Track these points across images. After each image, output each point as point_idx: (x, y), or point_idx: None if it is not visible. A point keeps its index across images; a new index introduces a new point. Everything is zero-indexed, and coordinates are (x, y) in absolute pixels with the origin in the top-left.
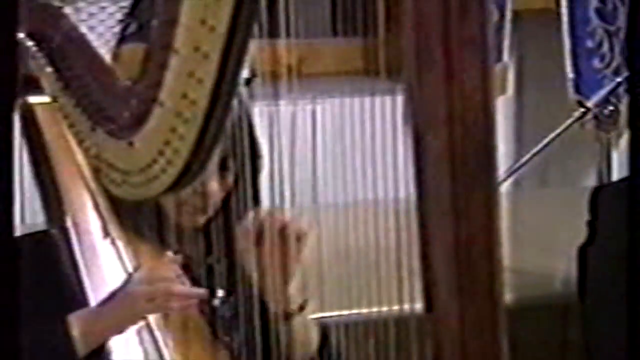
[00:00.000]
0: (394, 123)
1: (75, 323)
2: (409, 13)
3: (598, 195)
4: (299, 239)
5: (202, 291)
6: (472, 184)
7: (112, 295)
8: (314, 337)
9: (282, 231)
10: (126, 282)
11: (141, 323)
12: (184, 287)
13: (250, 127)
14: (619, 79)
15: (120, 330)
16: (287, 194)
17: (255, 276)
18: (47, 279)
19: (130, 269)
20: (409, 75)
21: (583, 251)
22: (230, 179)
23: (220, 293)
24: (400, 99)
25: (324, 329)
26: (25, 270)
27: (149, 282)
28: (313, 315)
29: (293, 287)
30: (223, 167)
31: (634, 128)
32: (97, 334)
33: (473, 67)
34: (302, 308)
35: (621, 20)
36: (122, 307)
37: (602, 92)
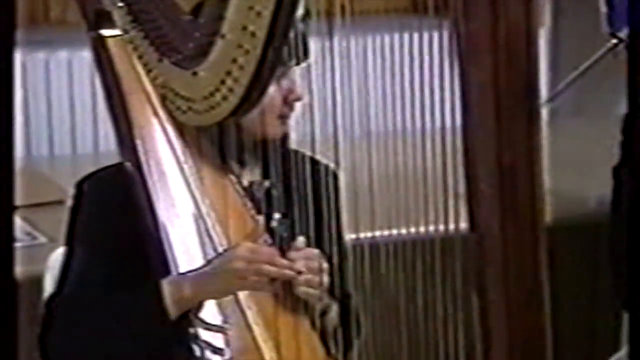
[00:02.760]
0: (440, 58)
1: (168, 289)
2: None
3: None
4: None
5: (293, 274)
6: (515, 111)
7: (208, 264)
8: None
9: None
10: (223, 256)
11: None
12: (278, 269)
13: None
14: None
15: (211, 299)
16: (340, 122)
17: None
18: (123, 212)
19: (198, 195)
20: (455, 7)
21: (617, 171)
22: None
23: (277, 215)
24: (445, 35)
25: (346, 300)
26: (102, 204)
27: (247, 260)
28: (363, 234)
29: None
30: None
31: None
32: (189, 301)
33: None
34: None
35: None
36: (217, 281)
37: None
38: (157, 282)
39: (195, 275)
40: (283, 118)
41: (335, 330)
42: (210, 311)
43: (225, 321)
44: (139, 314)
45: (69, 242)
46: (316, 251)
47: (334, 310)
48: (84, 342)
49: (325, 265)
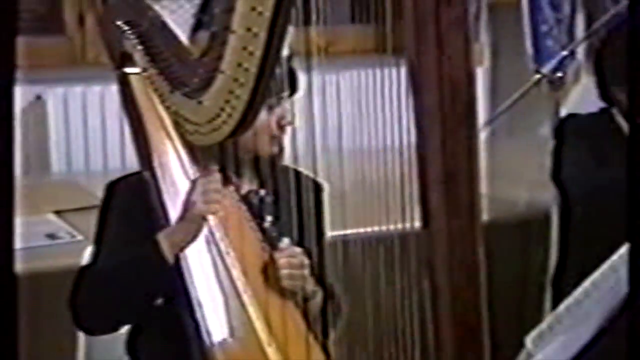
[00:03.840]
0: (398, 89)
1: (162, 240)
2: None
3: (566, 119)
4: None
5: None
6: (458, 131)
7: (182, 213)
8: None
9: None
10: (187, 201)
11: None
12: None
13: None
14: (564, 53)
15: (195, 236)
16: (318, 141)
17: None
18: (142, 208)
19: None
20: (409, 49)
21: (557, 150)
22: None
23: (269, 218)
24: (402, 70)
25: (330, 290)
26: (125, 201)
27: (202, 194)
28: (337, 232)
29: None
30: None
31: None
32: (179, 243)
33: (458, 42)
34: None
35: (566, 11)
36: (190, 218)
37: (553, 63)
38: (154, 238)
39: (177, 225)
40: (275, 139)
41: (318, 314)
42: (214, 302)
43: (225, 304)
44: (145, 264)
45: (100, 230)
46: (298, 249)
47: (319, 296)
48: (106, 296)
49: (306, 261)
